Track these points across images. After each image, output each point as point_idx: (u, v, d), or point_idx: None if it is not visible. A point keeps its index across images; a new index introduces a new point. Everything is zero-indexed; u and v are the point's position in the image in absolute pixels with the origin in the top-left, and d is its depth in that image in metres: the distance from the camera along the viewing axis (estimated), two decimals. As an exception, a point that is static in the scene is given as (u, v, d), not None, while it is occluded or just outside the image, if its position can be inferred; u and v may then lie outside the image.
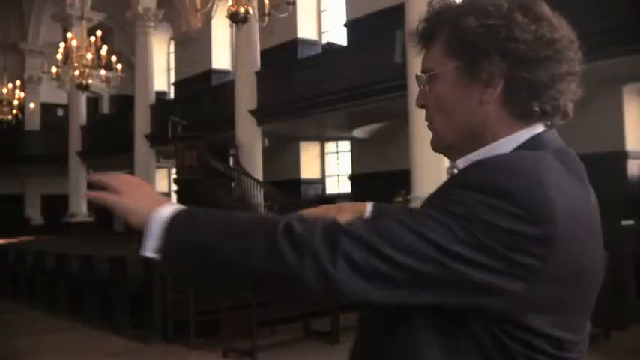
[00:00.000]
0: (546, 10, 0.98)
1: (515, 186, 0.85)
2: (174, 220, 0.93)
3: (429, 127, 1.06)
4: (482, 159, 0.94)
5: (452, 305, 0.87)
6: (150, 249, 0.94)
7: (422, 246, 0.84)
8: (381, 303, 0.87)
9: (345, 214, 1.20)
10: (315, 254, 0.85)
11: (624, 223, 7.17)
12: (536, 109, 0.96)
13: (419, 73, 1.05)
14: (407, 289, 0.85)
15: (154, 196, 1.00)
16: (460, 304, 0.87)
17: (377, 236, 0.85)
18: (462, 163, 1.00)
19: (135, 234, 1.00)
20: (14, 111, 18.01)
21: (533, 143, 0.96)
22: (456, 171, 1.01)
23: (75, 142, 19.04)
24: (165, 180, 22.22)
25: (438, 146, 1.05)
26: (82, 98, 18.68)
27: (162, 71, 21.47)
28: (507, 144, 0.97)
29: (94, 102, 22.29)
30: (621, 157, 9.97)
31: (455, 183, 0.91)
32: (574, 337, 0.93)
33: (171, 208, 0.95)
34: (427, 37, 1.04)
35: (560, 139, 1.01)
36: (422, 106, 1.06)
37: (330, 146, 17.24)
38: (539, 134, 0.98)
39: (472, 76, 0.97)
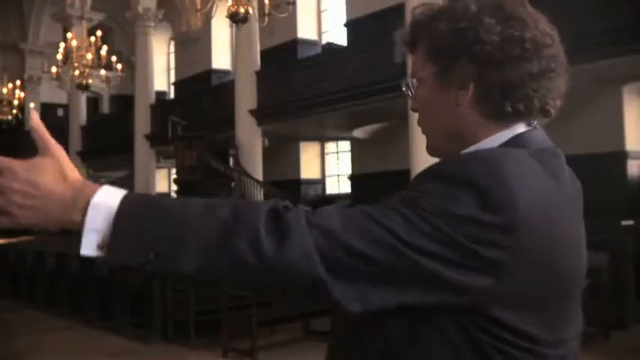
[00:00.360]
0: (522, 8, 0.97)
1: (477, 174, 0.86)
2: (123, 208, 0.82)
3: (422, 131, 1.08)
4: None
5: (419, 304, 0.86)
6: (90, 248, 0.84)
7: (389, 240, 0.83)
8: (340, 298, 0.85)
9: None
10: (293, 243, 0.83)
11: (624, 223, 7.17)
12: (509, 109, 0.96)
13: (407, 79, 1.07)
14: (371, 284, 0.84)
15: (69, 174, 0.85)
16: (427, 303, 0.86)
17: (345, 228, 0.84)
18: None
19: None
20: (14, 111, 18.02)
21: (513, 143, 0.96)
22: None
23: (75, 142, 19.03)
24: (165, 180, 22.22)
25: (430, 150, 1.07)
26: (82, 98, 18.69)
27: (162, 71, 21.48)
28: (489, 144, 0.97)
29: (94, 102, 22.29)
30: (621, 157, 9.97)
31: (423, 174, 0.92)
32: (550, 335, 0.91)
33: (105, 191, 0.84)
34: (411, 43, 1.06)
35: (548, 140, 1.00)
36: (415, 111, 1.08)
37: (330, 146, 17.24)
38: (521, 134, 0.97)
39: (446, 80, 0.99)
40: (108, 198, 0.82)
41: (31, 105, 20.47)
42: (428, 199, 0.85)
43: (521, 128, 0.98)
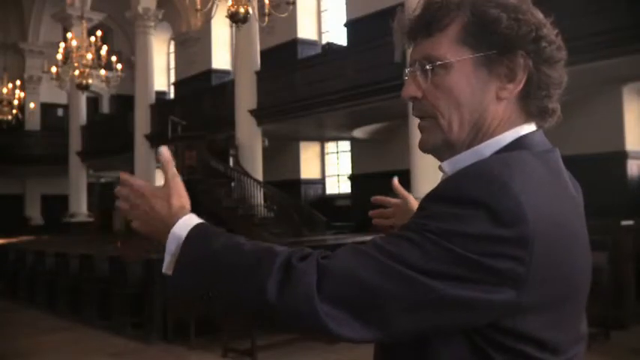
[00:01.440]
0: (528, 5, 0.96)
1: (483, 193, 0.83)
2: (190, 238, 0.96)
3: (424, 122, 1.00)
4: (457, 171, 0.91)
5: (444, 328, 0.85)
6: (165, 266, 0.98)
7: (399, 269, 0.81)
8: (371, 339, 0.85)
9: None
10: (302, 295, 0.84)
11: (624, 223, 7.16)
12: (551, 106, 0.96)
13: (419, 62, 0.97)
14: (392, 318, 0.83)
15: (172, 206, 1.01)
16: (451, 326, 0.84)
17: (354, 266, 0.84)
18: (447, 166, 0.98)
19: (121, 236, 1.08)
20: (14, 111, 18.01)
21: (519, 143, 0.94)
22: (441, 174, 1.00)
23: (75, 142, 19.04)
24: (165, 180, 22.20)
25: (437, 143, 0.99)
26: (82, 98, 18.69)
27: (162, 71, 21.48)
28: (494, 145, 0.94)
29: (94, 102, 22.29)
30: (621, 157, 9.97)
31: (428, 196, 0.88)
32: (563, 338, 0.91)
33: (187, 222, 0.98)
34: (434, 22, 0.96)
35: (547, 141, 0.98)
36: (412, 98, 0.99)
37: (330, 146, 17.24)
38: (527, 135, 0.95)
39: (492, 70, 0.93)
40: (182, 227, 0.97)
41: (31, 105, 20.49)
42: (435, 223, 0.83)
43: (531, 128, 0.97)
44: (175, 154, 13.05)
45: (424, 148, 1.01)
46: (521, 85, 0.93)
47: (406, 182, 10.98)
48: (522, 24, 0.91)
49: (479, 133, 0.95)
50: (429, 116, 0.98)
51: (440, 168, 0.99)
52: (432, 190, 0.88)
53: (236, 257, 0.91)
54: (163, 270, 0.98)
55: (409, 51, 1.02)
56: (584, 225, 0.97)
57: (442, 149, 0.99)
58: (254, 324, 1.03)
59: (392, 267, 0.82)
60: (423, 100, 0.98)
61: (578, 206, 0.96)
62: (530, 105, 0.95)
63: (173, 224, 0.97)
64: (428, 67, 0.96)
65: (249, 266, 0.88)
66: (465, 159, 0.95)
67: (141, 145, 16.19)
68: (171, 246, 0.97)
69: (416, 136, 10.04)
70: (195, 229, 0.96)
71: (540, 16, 0.95)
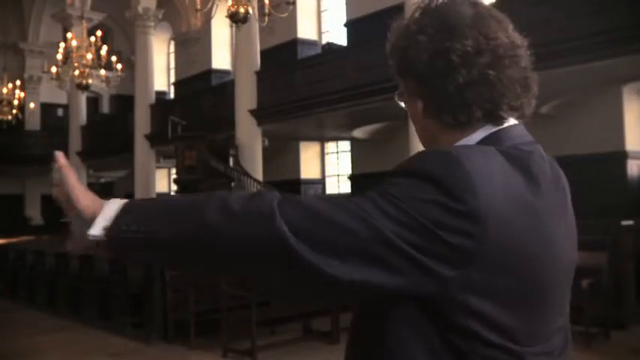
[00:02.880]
0: (462, 16, 0.98)
1: (435, 167, 0.88)
2: (127, 204, 0.98)
3: None
4: None
5: (383, 285, 0.86)
6: (98, 229, 0.97)
7: (361, 214, 0.86)
8: (316, 268, 0.86)
9: None
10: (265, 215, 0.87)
11: (624, 223, 7.16)
12: (450, 120, 1.00)
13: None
14: (339, 257, 0.85)
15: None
16: (391, 285, 0.86)
17: (319, 207, 0.88)
18: None
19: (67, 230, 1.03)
20: (14, 111, 18.02)
21: (487, 142, 0.98)
22: None
23: (75, 142, 19.03)
24: (165, 180, 22.22)
25: None
26: (82, 98, 18.68)
27: (162, 71, 21.48)
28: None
29: (94, 102, 22.29)
30: (621, 157, 9.97)
31: (392, 171, 0.94)
32: (529, 331, 0.91)
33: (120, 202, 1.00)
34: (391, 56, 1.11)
35: (528, 136, 1.01)
36: None
37: (330, 146, 17.24)
38: (495, 132, 0.99)
39: (408, 94, 1.07)
40: (117, 201, 1.01)
41: (31, 105, 20.49)
42: (395, 188, 0.88)
43: (490, 129, 0.99)
44: (175, 154, 13.07)
45: None
46: (421, 104, 1.03)
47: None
48: (400, 52, 1.05)
49: (434, 144, 1.04)
50: None
51: None
52: (397, 165, 0.94)
53: (174, 202, 0.97)
54: (90, 232, 0.97)
55: None
56: (565, 219, 0.99)
57: None
58: (200, 268, 1.01)
59: (352, 208, 0.87)
60: None
61: (552, 200, 0.97)
62: (445, 117, 1.01)
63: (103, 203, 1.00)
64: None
65: (188, 204, 0.94)
66: None
67: (141, 145, 16.19)
68: (110, 210, 0.97)
69: (416, 136, 10.08)
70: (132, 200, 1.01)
71: (422, 37, 1.00)
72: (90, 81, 13.24)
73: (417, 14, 1.03)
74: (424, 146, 1.07)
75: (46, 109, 22.08)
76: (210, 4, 8.62)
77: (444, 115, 1.00)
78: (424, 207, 0.85)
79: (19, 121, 18.75)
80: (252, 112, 12.97)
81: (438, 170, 0.87)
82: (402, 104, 1.12)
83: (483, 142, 0.98)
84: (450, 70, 0.97)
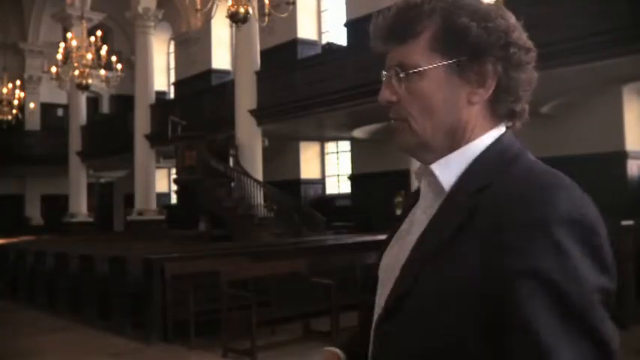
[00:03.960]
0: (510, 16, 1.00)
1: (589, 210, 0.86)
2: None
3: (397, 124, 1.01)
4: (505, 186, 0.90)
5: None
6: None
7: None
8: None
9: None
10: None
11: (624, 223, 7.16)
12: (518, 109, 0.99)
13: (393, 68, 1.01)
14: None
15: None
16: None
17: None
18: (437, 168, 0.98)
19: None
20: (14, 111, 18.00)
21: (501, 143, 0.97)
22: (422, 181, 1.02)
23: (75, 142, 19.04)
24: (165, 180, 22.22)
25: (410, 144, 1.01)
26: (82, 98, 18.69)
27: (162, 71, 21.48)
28: (481, 143, 0.98)
29: (94, 102, 22.30)
30: (621, 157, 9.97)
31: (517, 221, 0.84)
32: None
33: None
34: (407, 30, 0.99)
35: (518, 140, 1.02)
36: (388, 102, 1.02)
37: (330, 146, 17.24)
38: (504, 134, 0.99)
39: (463, 76, 0.96)
40: None
41: (31, 105, 20.49)
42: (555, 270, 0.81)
43: (503, 129, 1.00)
44: (175, 154, 13.07)
45: (400, 148, 1.04)
46: (491, 90, 0.96)
47: (406, 182, 10.98)
48: (491, 32, 0.94)
49: (455, 136, 0.98)
50: (403, 119, 1.01)
51: (424, 171, 1.01)
52: (504, 212, 0.86)
53: None
54: None
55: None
56: None
57: (417, 150, 1.02)
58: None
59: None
60: (398, 104, 1.01)
61: None
62: (499, 108, 0.98)
63: None
64: (401, 74, 0.99)
65: None
66: (454, 161, 0.98)
67: (141, 145, 16.19)
68: None
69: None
70: None
71: (512, 20, 0.98)
72: (90, 81, 13.23)
73: (489, 6, 0.99)
74: (434, 136, 0.98)
75: (46, 109, 22.08)
76: (210, 4, 8.62)
77: (515, 105, 0.98)
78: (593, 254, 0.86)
79: (19, 121, 18.74)
80: (252, 112, 12.97)
81: (587, 213, 0.88)
82: (400, 82, 0.99)
83: (499, 141, 0.98)
84: (530, 64, 0.98)
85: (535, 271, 0.81)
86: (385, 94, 1.02)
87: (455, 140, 0.98)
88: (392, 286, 0.97)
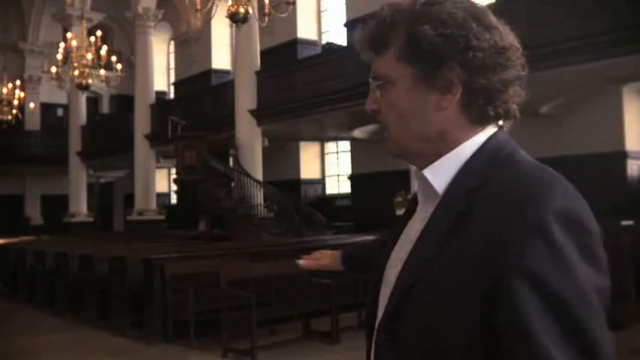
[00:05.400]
0: (494, 19, 1.00)
1: (582, 207, 0.87)
2: None
3: (385, 133, 1.06)
4: (504, 187, 0.90)
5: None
6: None
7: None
8: None
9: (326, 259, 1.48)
10: None
11: (624, 223, 7.16)
12: (492, 113, 0.98)
13: (370, 79, 1.05)
14: None
15: None
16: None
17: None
18: (429, 172, 1.00)
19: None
20: (14, 111, 18.01)
21: (491, 144, 0.98)
22: (418, 182, 1.04)
23: (75, 142, 19.04)
24: (165, 180, 22.22)
25: (395, 152, 1.06)
26: (82, 98, 18.69)
27: (162, 71, 21.48)
28: (470, 147, 0.99)
29: (94, 102, 22.29)
30: (621, 157, 9.97)
31: (518, 223, 0.85)
32: None
33: None
34: (379, 42, 1.03)
35: (510, 139, 1.02)
36: (373, 111, 1.06)
37: (330, 146, 17.24)
38: (495, 135, 1.00)
39: (429, 83, 0.98)
40: None
41: (31, 105, 20.49)
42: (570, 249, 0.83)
43: (493, 129, 1.01)
44: (175, 154, 13.07)
45: (390, 153, 1.08)
46: (458, 95, 0.97)
47: (405, 182, 10.97)
48: (448, 38, 0.95)
49: (435, 142, 1.00)
50: (385, 128, 1.05)
51: (417, 176, 1.04)
52: (508, 216, 0.86)
53: None
54: None
55: None
56: None
57: (408, 157, 1.06)
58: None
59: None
60: (379, 112, 1.06)
61: None
62: (473, 111, 0.99)
63: None
64: (375, 84, 1.03)
65: None
66: (446, 165, 0.99)
67: (141, 145, 16.19)
68: None
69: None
70: None
71: (487, 22, 0.98)
72: (90, 81, 13.24)
73: (457, 9, 0.98)
74: (412, 144, 1.02)
75: (46, 109, 22.08)
76: (210, 4, 8.62)
77: (486, 108, 0.98)
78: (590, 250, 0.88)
79: (19, 121, 18.74)
80: (252, 112, 12.97)
81: (582, 209, 0.89)
82: (381, 92, 1.03)
83: (488, 143, 0.98)
84: (506, 65, 0.97)
85: (531, 270, 0.81)
86: (368, 103, 1.06)
87: (437, 146, 1.00)
88: (392, 288, 0.99)
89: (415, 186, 1.12)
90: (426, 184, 1.01)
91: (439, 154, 1.00)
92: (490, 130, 1.00)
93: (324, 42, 16.15)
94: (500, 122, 1.02)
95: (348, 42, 14.34)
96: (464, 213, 0.90)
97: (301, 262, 1.66)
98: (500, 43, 0.97)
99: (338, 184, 16.94)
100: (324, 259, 1.62)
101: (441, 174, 0.99)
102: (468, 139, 0.99)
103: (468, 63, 0.96)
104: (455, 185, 0.97)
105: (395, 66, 1.01)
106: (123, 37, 22.32)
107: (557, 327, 0.80)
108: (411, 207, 1.12)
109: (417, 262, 0.95)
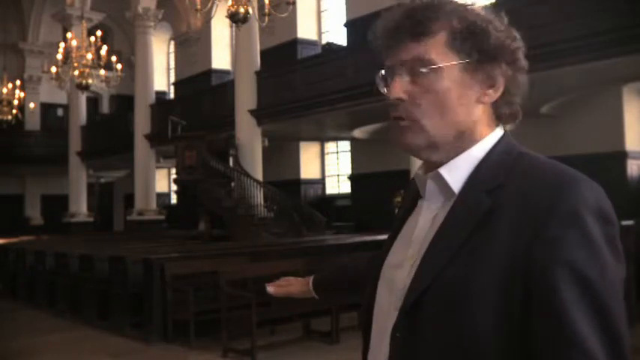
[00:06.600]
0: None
1: (606, 200, 0.91)
2: None
3: (405, 123, 1.00)
4: (544, 179, 0.92)
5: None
6: None
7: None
8: None
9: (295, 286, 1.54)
10: None
11: (624, 223, 7.16)
12: (508, 112, 1.03)
13: (407, 64, 1.00)
14: None
15: None
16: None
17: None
18: (446, 170, 1.00)
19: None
20: (14, 111, 17.99)
21: (503, 143, 1.01)
22: (427, 183, 1.02)
23: (75, 142, 19.04)
24: (165, 180, 22.22)
25: (418, 142, 1.00)
26: (82, 98, 18.68)
27: (162, 71, 21.48)
28: (482, 146, 1.01)
29: (93, 102, 22.29)
30: (621, 157, 9.97)
31: (552, 216, 0.87)
32: None
33: None
34: (423, 26, 0.99)
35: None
36: (398, 99, 1.00)
37: (330, 146, 17.24)
38: (506, 134, 1.04)
39: (475, 76, 0.99)
40: None
41: (31, 105, 20.48)
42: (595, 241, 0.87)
43: (502, 130, 1.04)
44: (175, 154, 13.07)
45: (406, 148, 1.02)
46: (500, 92, 1.01)
47: (406, 182, 10.97)
48: (505, 37, 1.00)
49: (464, 135, 1.00)
50: (412, 118, 1.00)
51: (431, 174, 1.01)
52: (542, 209, 0.89)
53: None
54: None
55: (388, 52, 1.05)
56: None
57: (424, 150, 1.01)
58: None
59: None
60: (407, 101, 1.00)
61: None
62: (503, 109, 1.03)
63: None
64: (423, 69, 0.99)
65: None
66: (461, 163, 1.00)
67: (141, 145, 16.19)
68: None
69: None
70: None
71: (512, 29, 1.03)
72: (90, 81, 13.22)
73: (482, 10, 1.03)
74: (445, 135, 0.99)
75: (46, 109, 22.07)
76: (210, 4, 8.62)
77: (517, 106, 1.03)
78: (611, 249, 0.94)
79: (19, 121, 18.72)
80: (252, 112, 12.97)
81: (606, 203, 0.93)
82: (420, 79, 0.99)
83: (502, 141, 1.02)
84: (525, 67, 1.03)
85: (570, 261, 0.85)
86: (397, 90, 1.00)
87: (463, 140, 1.00)
88: (409, 285, 0.97)
89: (414, 184, 1.10)
90: (441, 182, 1.00)
91: (458, 150, 1.01)
92: (499, 130, 1.03)
93: (324, 42, 16.15)
94: (508, 124, 1.06)
95: (348, 42, 14.34)
96: (488, 211, 0.92)
97: (270, 288, 1.57)
98: (524, 48, 1.03)
99: (338, 184, 16.94)
100: (294, 285, 1.55)
101: (456, 173, 1.00)
102: (487, 135, 1.02)
103: (514, 63, 1.01)
104: (471, 184, 0.98)
105: (443, 54, 0.98)
106: (123, 37, 22.32)
107: (592, 316, 0.84)
108: (409, 204, 1.11)
109: (437, 260, 0.94)
